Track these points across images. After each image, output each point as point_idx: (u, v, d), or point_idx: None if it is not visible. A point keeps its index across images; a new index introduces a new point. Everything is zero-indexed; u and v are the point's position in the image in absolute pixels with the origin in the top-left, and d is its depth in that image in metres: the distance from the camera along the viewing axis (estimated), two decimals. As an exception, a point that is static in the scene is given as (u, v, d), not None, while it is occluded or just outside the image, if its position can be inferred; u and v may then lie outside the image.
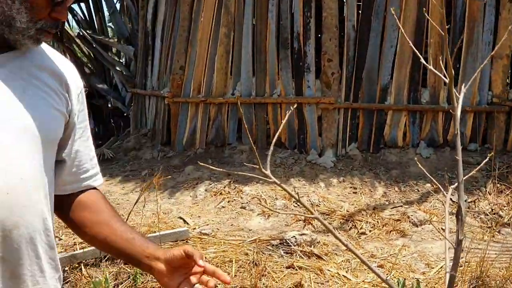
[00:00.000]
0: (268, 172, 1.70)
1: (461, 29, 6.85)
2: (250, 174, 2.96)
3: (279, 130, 2.01)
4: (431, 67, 1.94)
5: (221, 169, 3.12)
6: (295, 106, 3.45)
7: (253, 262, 4.77)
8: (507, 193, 6.50)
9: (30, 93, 1.87)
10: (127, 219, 5.02)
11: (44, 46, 2.04)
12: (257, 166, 1.87)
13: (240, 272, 4.76)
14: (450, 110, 2.37)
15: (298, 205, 6.37)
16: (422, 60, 1.94)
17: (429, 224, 5.94)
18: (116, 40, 9.78)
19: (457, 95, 1.74)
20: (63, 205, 2.05)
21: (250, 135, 7.03)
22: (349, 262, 4.97)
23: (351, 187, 6.53)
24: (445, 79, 1.90)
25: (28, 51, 1.95)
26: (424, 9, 6.67)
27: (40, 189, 1.88)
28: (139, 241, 2.01)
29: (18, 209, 1.80)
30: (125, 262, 2.55)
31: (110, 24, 10.63)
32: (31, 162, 1.85)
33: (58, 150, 1.96)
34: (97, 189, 2.12)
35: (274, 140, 2.11)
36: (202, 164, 2.38)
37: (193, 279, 1.86)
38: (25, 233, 1.84)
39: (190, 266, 1.86)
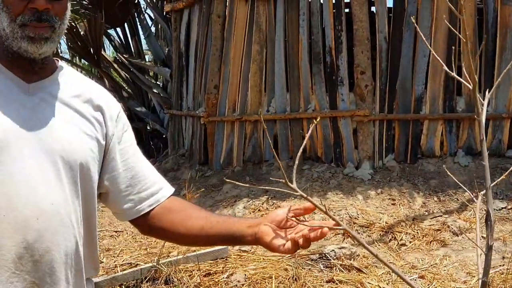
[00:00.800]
0: (294, 186, 1.67)
1: (494, 36, 6.80)
2: (286, 191, 3.04)
3: (303, 143, 1.99)
4: (454, 74, 1.95)
5: (258, 186, 3.27)
6: (317, 119, 3.58)
7: (293, 277, 4.79)
8: None
9: (61, 119, 1.98)
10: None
11: (76, 73, 2.19)
12: (283, 181, 1.94)
13: (279, 286, 4.78)
14: (478, 117, 2.36)
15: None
16: (445, 67, 1.94)
17: (469, 233, 5.84)
18: (152, 62, 9.87)
19: (482, 101, 1.74)
20: (147, 223, 2.15)
21: (287, 151, 7.16)
22: (390, 274, 4.97)
23: (389, 199, 6.49)
24: (468, 85, 1.92)
25: (62, 79, 2.09)
26: (456, 15, 6.57)
27: (71, 214, 1.95)
28: (235, 218, 2.09)
29: (49, 234, 1.90)
30: (228, 244, 2.61)
31: (147, 47, 10.80)
32: (61, 187, 1.94)
33: (103, 173, 2.08)
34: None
35: (299, 154, 2.15)
36: (238, 183, 2.49)
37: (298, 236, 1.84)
38: (57, 257, 1.93)
39: (294, 226, 1.86)
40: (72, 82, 2.15)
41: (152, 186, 2.16)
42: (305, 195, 1.64)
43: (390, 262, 5.68)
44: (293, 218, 1.84)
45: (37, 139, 1.99)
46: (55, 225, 1.97)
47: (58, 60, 2.11)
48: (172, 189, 2.18)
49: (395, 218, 6.12)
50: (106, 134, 2.12)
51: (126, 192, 2.16)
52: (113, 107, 2.17)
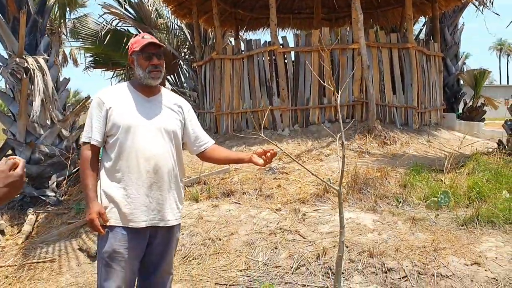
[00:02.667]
0: (262, 135, 2.77)
1: (338, 68, 7.99)
2: (254, 138, 4.67)
3: (262, 122, 3.85)
4: (324, 83, 3.91)
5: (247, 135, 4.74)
6: (266, 111, 5.01)
7: (259, 178, 5.94)
8: (365, 140, 7.58)
9: (164, 112, 2.65)
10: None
11: (170, 91, 2.83)
12: (258, 134, 3.78)
13: (253, 182, 5.85)
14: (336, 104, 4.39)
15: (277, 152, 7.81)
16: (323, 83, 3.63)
17: (332, 156, 7.14)
18: (188, 89, 10.41)
19: (337, 98, 2.92)
20: (204, 155, 2.84)
21: (251, 125, 8.11)
22: (300, 174, 6.12)
23: (297, 143, 7.67)
24: (331, 88, 3.86)
25: (163, 94, 2.73)
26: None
27: (169, 153, 2.63)
28: (240, 153, 2.96)
29: (161, 160, 2.59)
30: (237, 163, 2.85)
31: (185, 83, 10.96)
32: (164, 141, 2.62)
33: (185, 135, 2.76)
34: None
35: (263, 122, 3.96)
36: (239, 134, 3.67)
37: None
38: (166, 171, 2.58)
39: (264, 154, 2.62)
40: (168, 95, 2.77)
41: (204, 140, 2.82)
42: (266, 138, 2.63)
43: (299, 169, 6.51)
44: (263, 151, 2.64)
45: (151, 122, 2.59)
46: (163, 157, 2.60)
47: (161, 86, 2.76)
48: (213, 141, 2.87)
49: (299, 151, 7.33)
50: (184, 117, 2.74)
51: (193, 143, 2.81)
52: (186, 106, 2.81)
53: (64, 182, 6.39)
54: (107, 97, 2.67)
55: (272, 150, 2.68)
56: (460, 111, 12.39)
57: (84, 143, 2.69)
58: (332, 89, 2.96)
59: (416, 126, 8.51)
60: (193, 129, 2.81)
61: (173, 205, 2.75)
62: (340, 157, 2.71)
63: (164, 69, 2.67)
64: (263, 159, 2.64)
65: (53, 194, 6.12)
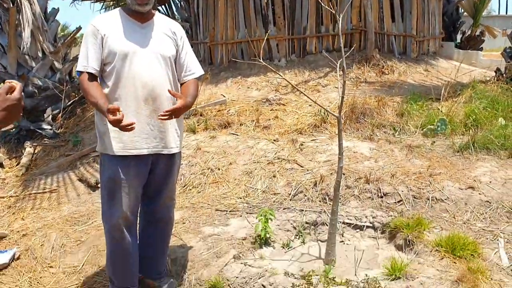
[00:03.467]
0: (261, 60, 3.72)
1: None
2: (250, 69, 4.60)
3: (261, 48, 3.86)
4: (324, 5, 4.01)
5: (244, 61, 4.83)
6: (262, 41, 4.99)
7: (255, 109, 5.98)
8: (363, 69, 7.49)
9: (160, 38, 2.66)
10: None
11: (163, 16, 2.79)
12: (254, 63, 3.90)
13: (250, 113, 5.91)
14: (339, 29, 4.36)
15: (273, 83, 7.39)
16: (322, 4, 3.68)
17: (329, 86, 7.03)
18: (180, 20, 9.81)
19: (338, 22, 2.85)
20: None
21: (247, 55, 7.81)
22: (297, 105, 6.15)
23: (294, 74, 7.38)
24: (332, 10, 4.00)
25: (157, 20, 2.70)
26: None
27: (166, 78, 2.65)
28: (190, 96, 2.70)
29: (159, 86, 2.61)
30: None
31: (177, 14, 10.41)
32: (161, 67, 2.64)
33: (176, 61, 2.74)
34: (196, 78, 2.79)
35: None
36: (240, 60, 3.52)
37: None
38: (164, 98, 2.63)
39: None
40: (161, 20, 2.74)
41: (191, 70, 2.80)
42: (266, 64, 3.53)
43: (296, 100, 6.59)
44: None
45: (148, 48, 2.60)
46: (160, 84, 2.62)
47: (154, 11, 2.72)
48: (200, 73, 2.84)
49: (296, 81, 7.14)
50: (177, 43, 2.75)
51: (181, 71, 2.80)
52: (180, 31, 2.79)
53: (60, 115, 6.39)
54: (101, 24, 2.62)
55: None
56: (459, 40, 12.23)
57: (81, 72, 2.64)
58: (333, 11, 2.91)
59: (414, 55, 8.43)
60: (184, 56, 2.79)
61: (174, 133, 2.80)
62: (337, 87, 2.69)
63: None
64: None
65: (49, 127, 6.15)
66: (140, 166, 2.72)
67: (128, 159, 2.68)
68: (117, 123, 2.41)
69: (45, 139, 6.03)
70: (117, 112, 2.40)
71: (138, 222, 2.95)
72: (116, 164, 2.66)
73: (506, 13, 23.12)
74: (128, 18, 2.64)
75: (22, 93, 1.56)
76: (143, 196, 2.86)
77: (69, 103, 6.61)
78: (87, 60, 2.60)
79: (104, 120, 2.64)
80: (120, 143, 2.67)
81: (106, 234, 2.83)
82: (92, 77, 2.64)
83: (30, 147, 5.74)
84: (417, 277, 2.95)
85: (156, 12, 2.74)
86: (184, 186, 4.62)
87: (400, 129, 5.29)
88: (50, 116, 6.27)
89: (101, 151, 2.76)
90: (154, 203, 2.92)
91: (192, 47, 9.59)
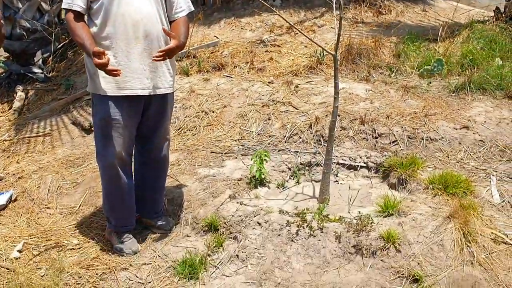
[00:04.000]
0: None
1: None
2: (244, 9, 4.48)
3: None
4: None
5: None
6: None
7: (249, 51, 5.83)
8: (359, 9, 7.19)
9: None
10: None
11: None
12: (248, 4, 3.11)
13: (245, 55, 5.74)
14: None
15: (267, 23, 6.99)
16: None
17: (325, 27, 6.77)
18: None
19: None
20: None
21: None
22: (292, 47, 5.99)
23: (289, 13, 7.14)
24: None
25: None
26: None
27: (157, 16, 2.61)
28: (182, 36, 2.65)
29: (150, 24, 2.57)
30: None
31: None
32: (151, 4, 2.61)
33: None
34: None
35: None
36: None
37: None
38: (155, 36, 2.60)
39: None
40: None
41: (181, 7, 2.74)
42: (265, 3, 3.13)
43: (291, 41, 6.43)
44: None
45: None
46: (150, 22, 2.58)
47: None
48: (190, 10, 2.78)
49: (292, 22, 6.08)
50: None
51: (170, 7, 2.74)
52: None
53: (50, 58, 6.27)
54: None
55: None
56: (458, -21, 11.84)
57: (66, 10, 2.56)
58: None
59: (412, -5, 8.13)
60: None
61: (166, 73, 2.76)
62: (333, 28, 2.62)
63: None
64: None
65: (40, 71, 6.05)
66: (133, 106, 2.70)
67: (120, 99, 2.66)
68: (102, 67, 2.38)
69: (37, 83, 5.95)
70: (103, 56, 2.36)
71: (133, 162, 2.94)
72: (109, 105, 2.64)
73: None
74: None
75: (2, 21, 1.49)
76: (137, 137, 2.86)
77: (60, 46, 6.46)
78: None
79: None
80: (112, 83, 2.63)
81: (101, 175, 2.84)
82: (78, 15, 2.56)
83: (22, 92, 5.67)
84: (410, 214, 3.01)
85: None
86: (178, 129, 4.61)
87: (397, 70, 5.23)
88: (41, 59, 6.16)
89: (92, 91, 2.72)
90: (149, 143, 2.92)
91: None
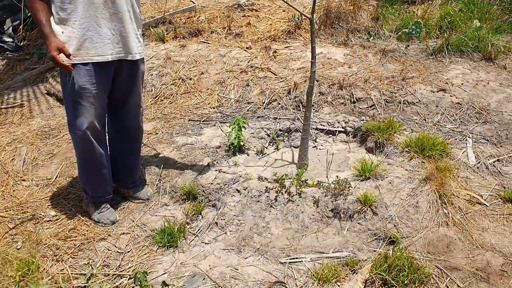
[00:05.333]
0: None
1: None
2: None
3: None
4: None
5: None
6: None
7: (227, 16, 5.77)
8: None
9: None
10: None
11: None
12: None
13: (222, 20, 5.68)
14: None
15: None
16: None
17: None
18: None
19: None
20: None
21: None
22: (270, 11, 5.91)
23: None
24: None
25: None
26: None
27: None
28: None
29: (120, 6, 2.55)
30: None
31: None
32: None
33: None
34: None
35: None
36: None
37: None
38: (127, 16, 2.60)
39: None
40: None
41: None
42: None
43: (269, 5, 6.56)
44: None
45: None
46: (122, 4, 2.58)
47: None
48: None
49: None
50: None
51: None
52: None
53: (21, 26, 6.06)
54: None
55: None
56: None
57: None
58: None
59: (392, -44, 8.01)
60: None
61: (135, 39, 2.70)
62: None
63: None
64: None
65: (10, 39, 5.86)
66: (103, 73, 2.63)
67: (90, 66, 2.58)
68: (55, 61, 2.43)
69: (8, 53, 5.77)
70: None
71: (106, 132, 2.90)
72: (78, 73, 2.57)
73: None
74: None
75: None
76: (109, 105, 2.80)
77: (30, 13, 6.21)
78: None
79: (62, 28, 2.51)
80: (80, 50, 2.55)
81: (75, 146, 2.79)
82: None
83: (-8, 62, 5.47)
84: (386, 177, 3.03)
85: None
86: (155, 97, 4.55)
87: (375, 34, 5.21)
88: (11, 28, 5.96)
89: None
90: (121, 111, 2.88)
91: None
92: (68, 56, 2.47)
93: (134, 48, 2.68)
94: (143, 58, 2.83)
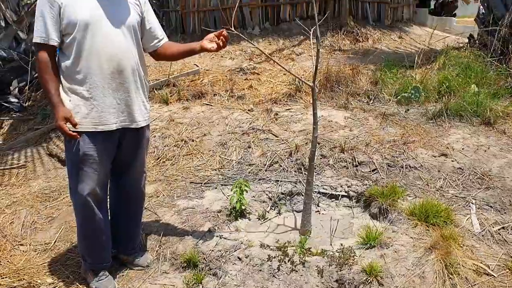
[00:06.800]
0: (233, 29, 2.73)
1: None
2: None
3: (232, 20, 4.13)
4: None
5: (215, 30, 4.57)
6: (235, 8, 5.13)
7: (229, 79, 5.98)
8: (337, 37, 7.60)
9: (122, 6, 2.58)
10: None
11: None
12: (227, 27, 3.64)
13: (224, 83, 5.87)
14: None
15: (247, 52, 7.57)
16: None
17: (304, 55, 7.12)
18: None
19: None
20: (158, 53, 2.79)
21: (219, 24, 7.80)
22: (271, 74, 6.18)
23: (268, 42, 7.62)
24: None
25: None
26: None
27: (132, 51, 2.57)
28: (191, 43, 2.74)
29: (124, 59, 2.52)
30: (191, 54, 2.71)
31: None
32: (125, 37, 2.54)
33: (140, 30, 2.66)
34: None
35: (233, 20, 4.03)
36: (209, 29, 3.63)
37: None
38: (130, 71, 2.56)
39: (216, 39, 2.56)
40: None
41: (160, 36, 2.75)
42: (238, 33, 2.70)
43: (270, 69, 6.84)
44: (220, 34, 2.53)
45: (111, 17, 2.46)
46: (125, 56, 2.52)
47: None
48: (167, 39, 2.80)
49: (270, 50, 7.28)
50: (141, 11, 2.68)
51: (149, 38, 2.72)
52: (143, 1, 2.70)
53: (27, 87, 6.18)
54: None
55: (223, 30, 2.55)
56: (432, 6, 12.18)
57: (39, 44, 2.46)
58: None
59: (388, 22, 8.45)
60: (150, 23, 2.71)
61: (141, 106, 2.72)
62: (312, 56, 2.60)
63: None
64: (216, 43, 2.54)
65: (16, 100, 5.95)
66: (107, 141, 2.63)
67: (95, 134, 2.59)
68: (61, 130, 2.47)
69: (13, 113, 5.83)
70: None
71: (108, 197, 2.86)
72: (83, 140, 2.56)
73: (479, -22, 23.09)
74: None
75: None
76: (112, 171, 2.78)
77: (36, 74, 6.35)
78: (45, 30, 2.44)
79: (69, 96, 2.53)
80: (86, 118, 2.56)
81: (75, 211, 2.75)
82: (51, 51, 2.48)
83: (-3, 122, 5.52)
84: (391, 245, 2.97)
85: None
86: (157, 159, 4.54)
87: (375, 97, 5.28)
88: (17, 88, 6.07)
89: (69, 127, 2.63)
90: (124, 177, 2.85)
91: (163, 16, 9.04)
92: (74, 125, 2.48)
93: (139, 116, 2.69)
94: (148, 124, 2.83)
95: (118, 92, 2.57)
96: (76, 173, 2.62)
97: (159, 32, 2.74)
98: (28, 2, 7.06)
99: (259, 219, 3.58)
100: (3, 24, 5.91)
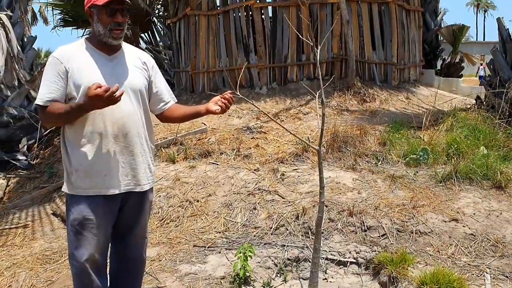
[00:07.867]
0: (238, 93, 2.72)
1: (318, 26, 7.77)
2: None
3: (238, 80, 4.26)
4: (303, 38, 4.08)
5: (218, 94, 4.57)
6: (242, 69, 5.48)
7: (236, 138, 5.91)
8: (344, 97, 7.38)
9: (129, 70, 2.54)
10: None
11: (131, 46, 2.66)
12: (235, 92, 3.18)
13: (231, 142, 5.81)
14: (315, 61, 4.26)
15: (254, 110, 7.41)
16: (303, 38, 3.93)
17: (311, 114, 6.97)
18: (163, 47, 10.10)
19: (316, 53, 2.78)
20: (165, 116, 2.76)
21: (228, 84, 7.80)
22: (278, 133, 6.06)
23: (275, 102, 7.43)
24: (310, 43, 4.13)
25: (125, 51, 2.56)
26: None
27: (137, 113, 2.54)
28: (197, 106, 2.76)
29: (129, 123, 2.50)
30: (197, 116, 2.71)
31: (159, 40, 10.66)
32: (131, 101, 2.51)
33: (148, 93, 2.64)
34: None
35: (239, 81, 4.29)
36: (214, 93, 3.73)
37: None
38: (135, 134, 2.53)
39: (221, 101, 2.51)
40: (130, 51, 2.63)
41: (166, 99, 2.72)
42: (243, 96, 2.73)
43: (277, 128, 6.94)
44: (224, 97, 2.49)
45: (116, 81, 2.39)
46: (131, 120, 2.51)
47: (122, 41, 2.55)
48: (175, 100, 2.78)
49: (277, 109, 7.09)
50: (149, 75, 2.64)
51: (156, 102, 2.70)
52: (150, 61, 2.69)
53: (35, 145, 6.23)
54: (64, 57, 2.43)
55: (228, 92, 2.54)
56: (439, 67, 12.36)
57: (41, 107, 2.43)
58: (311, 43, 2.81)
59: (396, 82, 8.44)
60: (157, 86, 2.70)
61: (147, 169, 2.65)
62: (320, 115, 2.58)
63: (126, 27, 2.47)
64: (220, 105, 2.51)
65: (24, 157, 5.98)
66: (109, 205, 2.55)
67: (97, 198, 2.51)
68: (98, 98, 2.23)
69: (20, 170, 5.84)
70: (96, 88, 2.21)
71: (108, 262, 2.76)
72: (84, 204, 2.49)
73: (484, 39, 23.67)
74: (95, 50, 2.49)
75: None
76: (113, 235, 2.68)
77: (45, 132, 6.45)
78: (48, 93, 2.40)
79: (72, 160, 2.49)
80: (88, 182, 2.50)
81: (73, 277, 2.63)
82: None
83: (3, 179, 5.55)
84: (403, 319, 2.81)
85: (123, 43, 2.59)
86: (161, 220, 4.47)
87: (383, 159, 5.22)
88: (26, 146, 6.11)
89: (67, 191, 2.58)
90: (125, 242, 2.75)
91: (174, 75, 9.22)
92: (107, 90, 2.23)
93: (143, 180, 2.62)
94: (152, 188, 2.77)
95: (123, 155, 2.52)
96: (74, 238, 2.52)
97: (166, 95, 2.71)
98: (42, 62, 7.26)
99: (263, 287, 3.44)
100: (16, 83, 6.02)
